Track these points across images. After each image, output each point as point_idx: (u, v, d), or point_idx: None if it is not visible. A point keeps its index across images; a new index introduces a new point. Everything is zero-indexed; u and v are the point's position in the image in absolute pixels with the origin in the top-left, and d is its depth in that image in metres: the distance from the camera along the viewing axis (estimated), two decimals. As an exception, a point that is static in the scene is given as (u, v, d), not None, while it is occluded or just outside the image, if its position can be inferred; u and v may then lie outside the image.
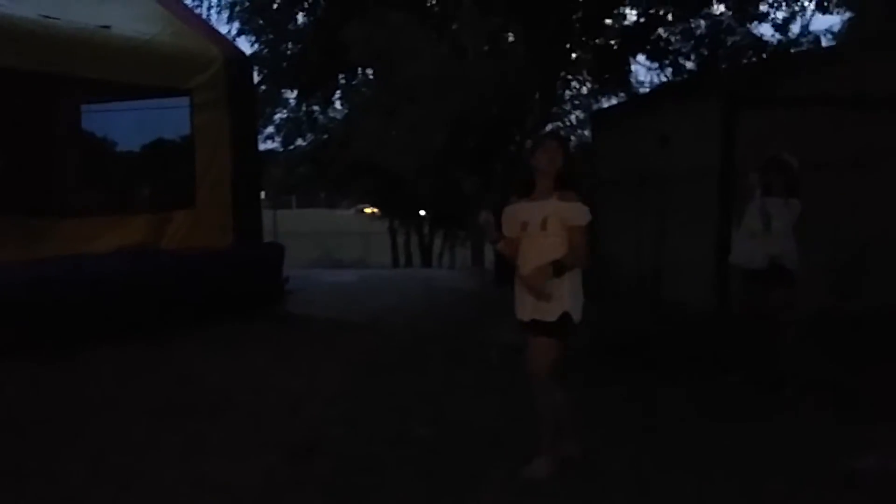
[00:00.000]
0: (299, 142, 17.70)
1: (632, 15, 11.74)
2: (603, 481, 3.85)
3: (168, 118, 8.24)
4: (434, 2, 11.29)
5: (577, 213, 3.74)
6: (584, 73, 12.93)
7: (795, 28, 10.94)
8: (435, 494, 3.75)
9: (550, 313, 3.72)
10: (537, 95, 11.40)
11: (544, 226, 3.71)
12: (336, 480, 3.91)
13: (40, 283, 6.32)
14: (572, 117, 16.65)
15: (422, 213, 21.38)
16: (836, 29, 12.19)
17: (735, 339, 6.12)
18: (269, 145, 16.90)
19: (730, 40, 10.92)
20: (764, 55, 10.63)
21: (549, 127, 12.31)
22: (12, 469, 3.99)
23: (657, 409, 5.12)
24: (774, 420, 4.86)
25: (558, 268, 3.66)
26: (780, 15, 10.83)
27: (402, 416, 4.92)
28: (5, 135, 7.21)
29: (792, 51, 10.61)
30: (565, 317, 3.73)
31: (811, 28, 11.46)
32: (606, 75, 12.62)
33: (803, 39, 10.86)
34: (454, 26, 9.33)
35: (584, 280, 3.86)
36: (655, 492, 3.76)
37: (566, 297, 3.73)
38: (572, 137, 16.84)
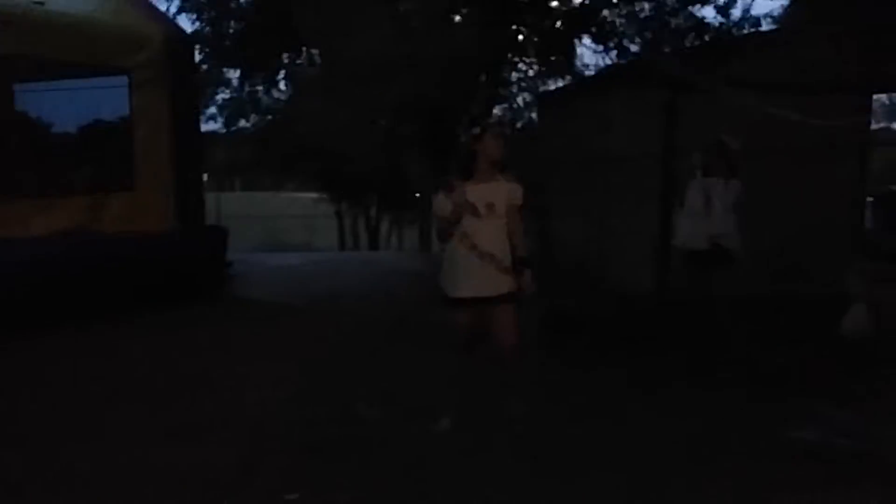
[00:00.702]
0: (242, 123, 17.41)
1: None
2: (551, 458, 3.91)
3: (106, 98, 7.99)
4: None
5: (519, 193, 4.13)
6: (530, 55, 12.96)
7: (736, 12, 11.12)
8: (387, 472, 3.76)
9: (512, 285, 4.06)
10: (484, 78, 11.41)
11: (504, 207, 4.04)
12: (284, 462, 3.89)
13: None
14: (518, 100, 16.71)
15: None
16: (775, 14, 12.43)
17: (674, 321, 6.23)
18: (212, 126, 16.58)
19: (673, 23, 11.03)
20: (706, 38, 10.77)
21: (495, 112, 12.36)
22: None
23: (596, 389, 5.20)
24: (712, 398, 4.98)
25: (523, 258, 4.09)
26: (722, -1, 10.98)
27: (349, 398, 4.91)
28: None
29: (734, 34, 10.76)
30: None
31: (752, 13, 11.59)
32: (552, 57, 12.67)
33: (745, 22, 11.04)
34: (401, 6, 9.24)
35: (532, 261, 4.12)
36: (600, 469, 3.82)
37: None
38: (518, 121, 16.92)
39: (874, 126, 12.09)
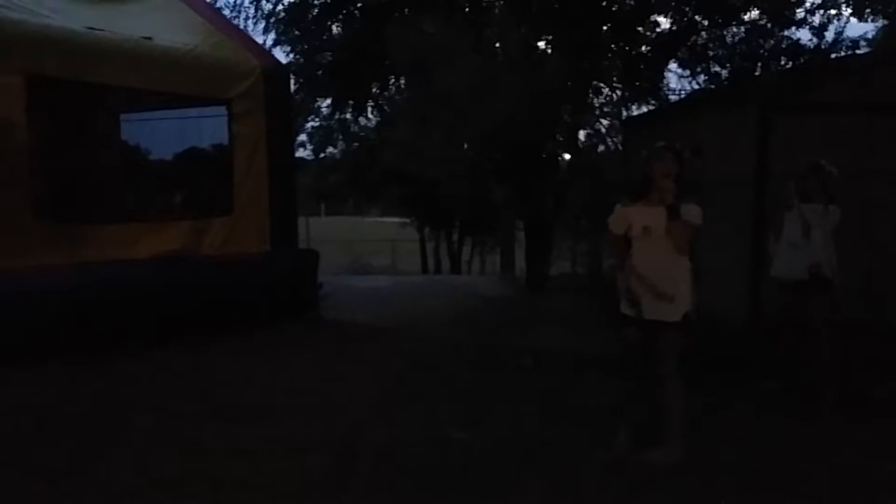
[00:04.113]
0: (330, 150, 17.94)
1: (665, 22, 11.67)
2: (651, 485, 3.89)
3: (207, 127, 8.40)
4: (469, 9, 11.34)
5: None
6: (615, 80, 12.87)
7: (830, 35, 10.75)
8: (474, 495, 3.80)
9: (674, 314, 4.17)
10: (568, 106, 11.42)
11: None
12: (377, 482, 3.97)
13: (81, 289, 6.45)
14: (601, 125, 16.55)
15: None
16: (870, 36, 11.99)
17: (770, 348, 6.08)
18: (300, 153, 17.13)
19: (766, 45, 10.76)
20: (801, 60, 10.48)
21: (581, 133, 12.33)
22: (60, 467, 4.08)
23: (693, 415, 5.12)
24: (810, 427, 4.85)
25: None
26: (817, 20, 10.64)
27: (439, 420, 4.97)
28: (49, 142, 7.40)
29: (832, 56, 10.42)
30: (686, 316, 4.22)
31: (847, 34, 11.16)
32: (637, 83, 12.55)
33: (840, 45, 10.69)
34: (489, 34, 9.39)
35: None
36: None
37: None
38: (601, 146, 16.78)
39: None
